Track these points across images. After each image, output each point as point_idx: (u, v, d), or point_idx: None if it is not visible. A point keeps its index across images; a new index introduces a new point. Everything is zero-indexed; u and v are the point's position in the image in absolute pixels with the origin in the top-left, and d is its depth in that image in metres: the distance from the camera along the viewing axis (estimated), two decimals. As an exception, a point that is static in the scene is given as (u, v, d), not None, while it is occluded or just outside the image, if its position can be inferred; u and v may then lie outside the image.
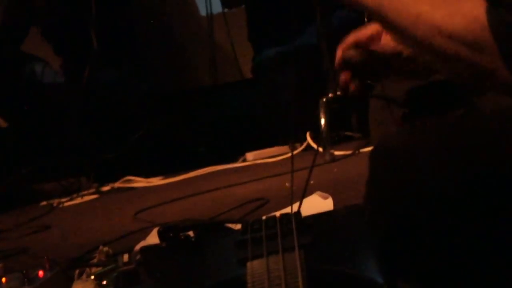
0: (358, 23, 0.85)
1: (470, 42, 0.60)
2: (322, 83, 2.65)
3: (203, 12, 3.87)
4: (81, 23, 3.11)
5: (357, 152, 2.39)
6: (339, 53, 0.85)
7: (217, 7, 3.80)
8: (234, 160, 3.04)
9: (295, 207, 0.87)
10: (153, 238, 1.25)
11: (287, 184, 1.89)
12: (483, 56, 0.59)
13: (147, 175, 2.90)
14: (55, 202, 2.64)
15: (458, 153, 0.66)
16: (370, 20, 0.82)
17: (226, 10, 3.63)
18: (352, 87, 0.85)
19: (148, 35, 3.79)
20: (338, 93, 2.71)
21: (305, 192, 0.86)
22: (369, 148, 0.83)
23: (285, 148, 3.03)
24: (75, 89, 3.24)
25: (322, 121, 2.43)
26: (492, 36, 0.58)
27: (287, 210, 0.87)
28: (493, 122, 0.68)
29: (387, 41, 0.83)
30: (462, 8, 0.61)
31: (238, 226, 0.85)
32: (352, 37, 0.85)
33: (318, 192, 1.39)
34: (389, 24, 0.67)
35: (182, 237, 0.85)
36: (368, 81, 0.83)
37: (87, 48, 3.04)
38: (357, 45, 0.84)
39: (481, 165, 0.64)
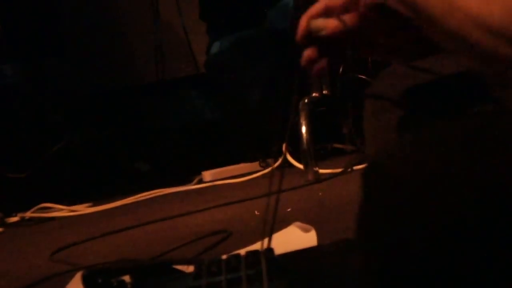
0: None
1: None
2: (302, 79, 2.67)
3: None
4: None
5: (349, 169, 2.41)
6: (303, 23, 0.85)
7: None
8: (187, 181, 3.03)
9: (266, 242, 0.87)
10: (76, 286, 1.23)
11: (256, 212, 1.89)
12: None
13: (69, 201, 2.87)
14: None
15: (480, 169, 0.67)
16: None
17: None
18: (317, 67, 0.85)
19: (72, 16, 3.77)
20: (325, 92, 2.73)
21: (274, 222, 0.86)
22: (364, 165, 0.84)
23: (253, 166, 3.03)
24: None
25: (304, 130, 2.44)
26: None
27: (256, 246, 0.86)
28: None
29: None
30: None
31: (190, 269, 0.85)
32: (321, 4, 0.85)
33: (298, 223, 1.39)
34: (417, 13, 0.67)
35: (115, 284, 0.84)
36: (362, 76, 0.83)
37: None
38: (327, 13, 0.85)
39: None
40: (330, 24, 0.82)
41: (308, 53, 0.85)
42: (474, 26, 0.63)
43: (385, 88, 0.91)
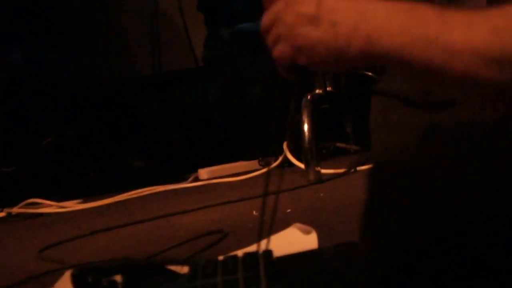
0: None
1: None
2: (305, 74, 2.66)
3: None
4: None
5: (352, 170, 2.40)
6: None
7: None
8: (183, 178, 3.03)
9: (264, 244, 0.87)
10: (64, 285, 1.23)
11: (254, 212, 1.89)
12: None
13: (59, 197, 2.87)
14: None
15: (492, 172, 0.67)
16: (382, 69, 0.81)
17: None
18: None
19: (65, 5, 3.76)
20: (328, 88, 2.73)
21: (272, 223, 0.86)
22: (369, 165, 0.83)
23: (252, 164, 3.03)
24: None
25: (306, 128, 2.43)
26: None
27: (253, 248, 0.86)
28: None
29: None
30: (508, 16, 0.60)
31: (185, 269, 0.84)
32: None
33: (298, 224, 1.39)
34: (417, 69, 0.65)
35: (106, 283, 0.84)
36: (368, 73, 0.83)
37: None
38: None
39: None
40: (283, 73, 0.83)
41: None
42: (482, 62, 0.61)
43: (393, 85, 0.90)
